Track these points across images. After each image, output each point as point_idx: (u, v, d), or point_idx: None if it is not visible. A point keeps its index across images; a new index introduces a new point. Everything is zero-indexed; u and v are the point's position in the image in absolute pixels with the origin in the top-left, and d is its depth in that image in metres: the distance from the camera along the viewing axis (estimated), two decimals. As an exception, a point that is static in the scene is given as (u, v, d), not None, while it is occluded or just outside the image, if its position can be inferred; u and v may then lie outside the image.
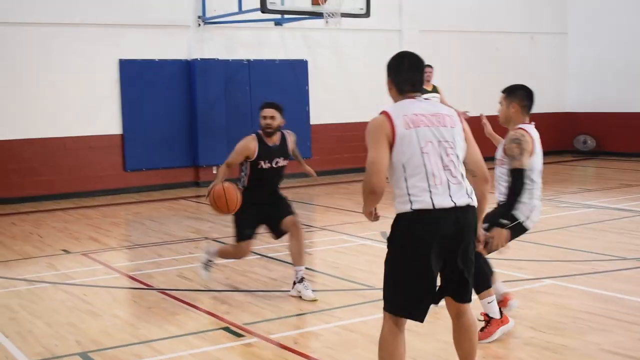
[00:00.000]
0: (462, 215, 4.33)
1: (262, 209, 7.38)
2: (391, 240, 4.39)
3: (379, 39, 18.22)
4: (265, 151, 7.31)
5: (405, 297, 4.36)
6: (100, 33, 15.21)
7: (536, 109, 6.21)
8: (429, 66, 13.33)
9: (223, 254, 7.76)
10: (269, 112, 7.31)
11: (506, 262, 8.37)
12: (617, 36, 20.09)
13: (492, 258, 6.10)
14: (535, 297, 7.12)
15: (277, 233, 7.51)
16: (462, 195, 4.34)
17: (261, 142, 7.30)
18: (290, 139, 7.56)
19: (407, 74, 4.53)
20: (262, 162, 7.30)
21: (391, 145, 4.30)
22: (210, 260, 7.80)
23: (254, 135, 7.37)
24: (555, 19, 21.40)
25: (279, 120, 7.34)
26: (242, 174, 7.45)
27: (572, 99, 21.50)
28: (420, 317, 4.40)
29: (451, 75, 18.30)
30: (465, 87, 18.94)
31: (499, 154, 5.98)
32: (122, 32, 15.43)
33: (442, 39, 19.14)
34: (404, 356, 4.40)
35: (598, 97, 20.77)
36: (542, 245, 9.34)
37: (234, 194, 7.09)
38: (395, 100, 4.53)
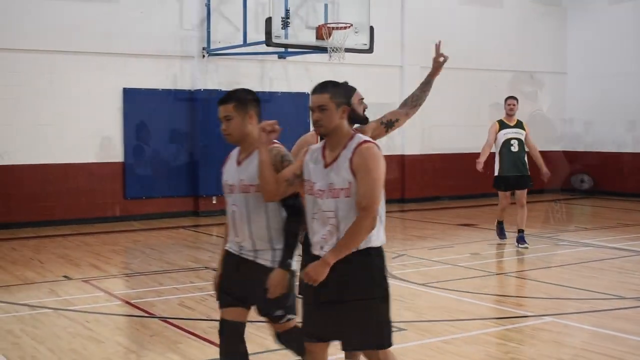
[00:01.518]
0: None
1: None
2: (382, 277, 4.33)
3: (380, 74, 18.39)
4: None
5: None
6: (104, 61, 15.32)
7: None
8: (514, 98, 12.11)
9: None
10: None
11: (507, 298, 8.40)
12: (615, 77, 20.30)
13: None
14: (536, 334, 7.16)
15: None
16: None
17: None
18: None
19: None
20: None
21: None
22: None
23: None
24: (555, 58, 21.63)
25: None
26: None
27: (570, 137, 21.66)
28: None
29: (451, 112, 18.49)
30: (465, 123, 19.12)
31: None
32: (127, 61, 15.55)
33: (443, 75, 19.16)
34: None
35: (595, 136, 20.93)
36: (542, 282, 9.39)
37: None
38: (346, 129, 4.32)
